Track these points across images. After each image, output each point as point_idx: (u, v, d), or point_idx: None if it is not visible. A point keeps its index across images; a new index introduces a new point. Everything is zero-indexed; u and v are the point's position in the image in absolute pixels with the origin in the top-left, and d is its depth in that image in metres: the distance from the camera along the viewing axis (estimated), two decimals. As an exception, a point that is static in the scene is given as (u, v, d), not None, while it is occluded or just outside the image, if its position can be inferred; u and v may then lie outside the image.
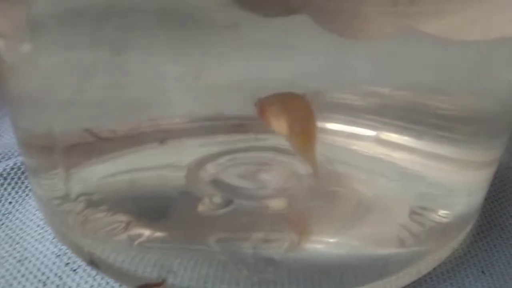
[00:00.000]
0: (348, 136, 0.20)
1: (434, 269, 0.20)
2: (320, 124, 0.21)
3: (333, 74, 0.18)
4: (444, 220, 0.20)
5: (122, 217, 0.18)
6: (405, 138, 0.19)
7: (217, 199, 0.19)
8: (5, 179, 0.23)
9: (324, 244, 0.19)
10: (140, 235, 0.18)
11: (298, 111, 0.18)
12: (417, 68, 0.17)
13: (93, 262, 0.19)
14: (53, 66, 0.17)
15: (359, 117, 0.20)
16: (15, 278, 0.19)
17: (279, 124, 0.18)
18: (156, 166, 0.20)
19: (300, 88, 0.18)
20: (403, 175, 0.20)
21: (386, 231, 0.19)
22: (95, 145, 0.20)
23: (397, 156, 0.20)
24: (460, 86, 0.18)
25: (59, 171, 0.19)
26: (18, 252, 0.20)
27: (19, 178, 0.24)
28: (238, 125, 0.22)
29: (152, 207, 0.19)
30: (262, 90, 0.19)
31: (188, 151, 0.21)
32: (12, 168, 0.24)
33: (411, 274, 0.19)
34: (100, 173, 0.20)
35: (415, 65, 0.17)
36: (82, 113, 0.18)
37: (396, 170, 0.20)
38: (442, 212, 0.19)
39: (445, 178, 0.20)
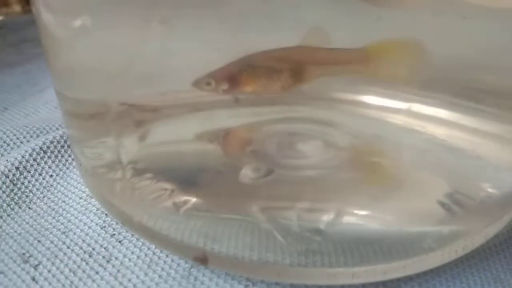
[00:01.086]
0: (382, 109, 0.20)
1: (487, 241, 0.19)
2: (353, 97, 0.21)
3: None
4: (491, 196, 0.19)
5: (166, 185, 0.18)
6: (443, 111, 0.19)
7: (258, 169, 0.19)
8: (45, 152, 0.23)
9: (364, 217, 0.18)
10: (185, 202, 0.18)
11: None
12: (454, 39, 0.17)
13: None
14: (107, 39, 0.17)
15: (392, 89, 0.20)
16: (60, 249, 0.19)
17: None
18: (195, 137, 0.20)
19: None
20: (442, 147, 0.19)
21: (425, 206, 0.18)
22: (135, 115, 0.20)
23: (434, 129, 0.19)
24: (502, 58, 0.17)
25: (109, 139, 0.19)
26: (62, 224, 0.20)
27: (59, 151, 0.24)
28: (270, 98, 0.21)
29: (193, 176, 0.19)
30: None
31: (222, 123, 0.21)
32: (51, 142, 0.24)
33: (457, 250, 0.18)
34: (143, 142, 0.20)
35: (451, 36, 0.16)
36: (130, 83, 0.19)
37: (434, 142, 0.19)
38: (487, 188, 0.19)
39: (488, 153, 0.19)
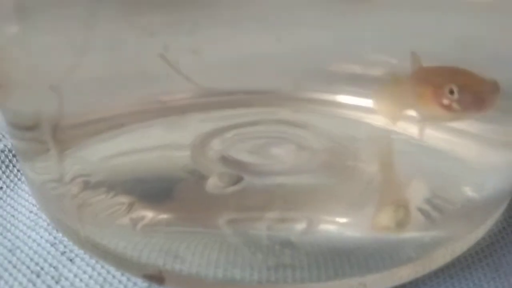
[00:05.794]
0: (358, 109, 0.20)
1: (468, 249, 0.18)
2: (327, 96, 0.21)
3: (342, 46, 0.17)
4: (472, 200, 0.18)
5: (124, 199, 0.17)
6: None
7: (226, 176, 0.18)
8: (-6, 162, 0.22)
9: (339, 225, 0.17)
10: (143, 218, 0.17)
11: None
12: (430, 36, 0.16)
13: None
14: (42, 46, 0.16)
15: (368, 89, 0.20)
16: (6, 269, 0.17)
17: None
18: (159, 145, 0.20)
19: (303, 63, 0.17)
20: (420, 148, 0.19)
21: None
22: (92, 124, 0.19)
23: (413, 129, 0.19)
24: (481, 54, 0.17)
25: (51, 152, 0.18)
26: (9, 241, 0.19)
27: (10, 161, 0.22)
28: (242, 99, 0.21)
29: (156, 187, 0.18)
30: (271, 63, 0.19)
31: (192, 128, 0.20)
32: (2, 151, 0.22)
33: (437, 259, 0.18)
34: (99, 153, 0.19)
35: (428, 33, 0.16)
36: (75, 92, 0.18)
37: (412, 143, 0.19)
38: (468, 191, 0.18)
39: (468, 154, 0.19)
